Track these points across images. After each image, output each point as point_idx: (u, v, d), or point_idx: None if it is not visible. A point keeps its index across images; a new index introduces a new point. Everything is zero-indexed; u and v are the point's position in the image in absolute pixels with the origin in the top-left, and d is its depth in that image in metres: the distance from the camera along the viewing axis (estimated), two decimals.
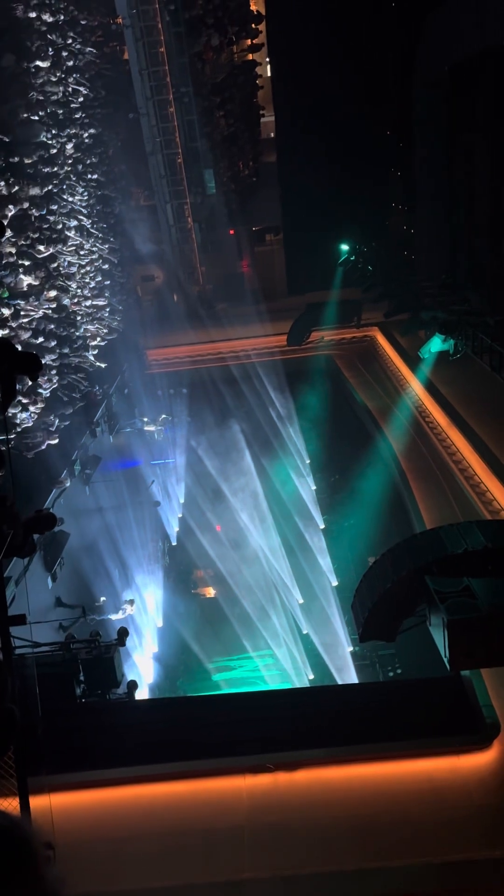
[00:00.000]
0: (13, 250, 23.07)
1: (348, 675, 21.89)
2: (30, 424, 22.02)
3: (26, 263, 23.29)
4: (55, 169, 27.05)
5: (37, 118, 26.06)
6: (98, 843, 11.31)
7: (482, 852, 10.55)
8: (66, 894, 2.73)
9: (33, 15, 26.63)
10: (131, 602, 22.66)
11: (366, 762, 12.29)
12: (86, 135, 31.43)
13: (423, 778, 11.94)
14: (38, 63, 26.75)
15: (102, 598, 22.36)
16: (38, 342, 23.38)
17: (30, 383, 21.33)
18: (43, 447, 22.33)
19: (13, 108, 25.02)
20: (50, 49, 27.64)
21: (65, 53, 29.24)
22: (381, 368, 35.16)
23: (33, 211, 24.37)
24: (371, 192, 44.47)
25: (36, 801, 10.53)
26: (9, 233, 22.80)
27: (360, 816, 11.41)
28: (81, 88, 30.83)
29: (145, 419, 32.53)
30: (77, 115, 30.52)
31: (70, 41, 30.01)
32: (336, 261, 42.48)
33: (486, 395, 27.94)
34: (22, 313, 22.71)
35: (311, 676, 22.67)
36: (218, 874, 10.66)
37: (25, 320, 22.89)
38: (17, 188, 23.59)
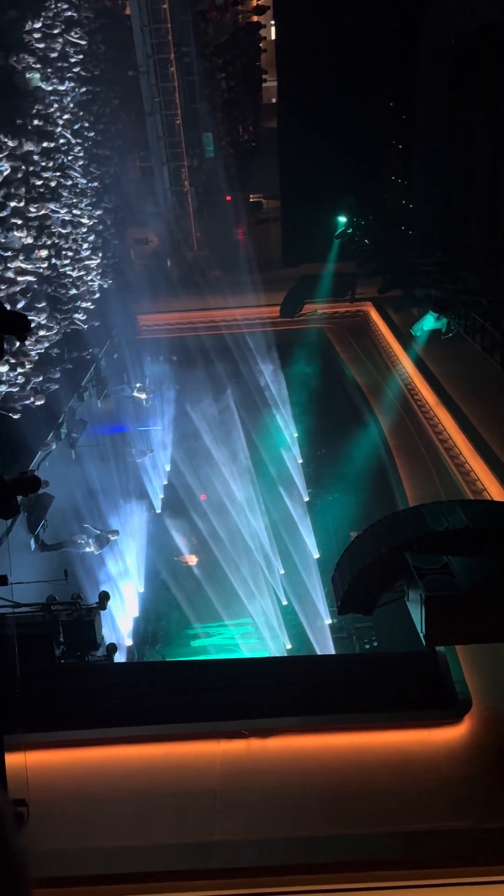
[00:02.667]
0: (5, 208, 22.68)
1: (326, 646, 22.15)
2: (18, 384, 21.88)
3: (18, 222, 22.93)
4: (51, 128, 26.50)
5: (35, 70, 25.49)
6: (72, 802, 11.48)
7: (448, 823, 10.80)
8: (28, 866, 2.72)
9: None
10: (115, 532, 22.90)
11: (338, 732, 12.50)
12: (83, 90, 30.73)
13: (393, 749, 12.17)
14: (38, 18, 26.07)
15: (80, 541, 22.46)
16: (28, 303, 23.10)
17: (18, 344, 21.13)
18: (28, 402, 22.24)
19: (11, 61, 24.43)
20: (49, 2, 26.94)
21: (64, 5, 28.49)
22: (373, 344, 35.03)
23: (24, 167, 23.88)
24: (370, 163, 43.92)
25: (12, 759, 10.68)
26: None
27: (331, 784, 11.64)
28: (81, 42, 30.06)
29: (138, 385, 32.32)
30: (75, 70, 29.81)
31: None
32: (333, 233, 42.05)
33: (476, 375, 27.98)
34: (11, 274, 22.40)
35: (289, 646, 22.93)
36: (189, 836, 10.86)
37: (16, 276, 22.58)
38: (14, 143, 23.12)
